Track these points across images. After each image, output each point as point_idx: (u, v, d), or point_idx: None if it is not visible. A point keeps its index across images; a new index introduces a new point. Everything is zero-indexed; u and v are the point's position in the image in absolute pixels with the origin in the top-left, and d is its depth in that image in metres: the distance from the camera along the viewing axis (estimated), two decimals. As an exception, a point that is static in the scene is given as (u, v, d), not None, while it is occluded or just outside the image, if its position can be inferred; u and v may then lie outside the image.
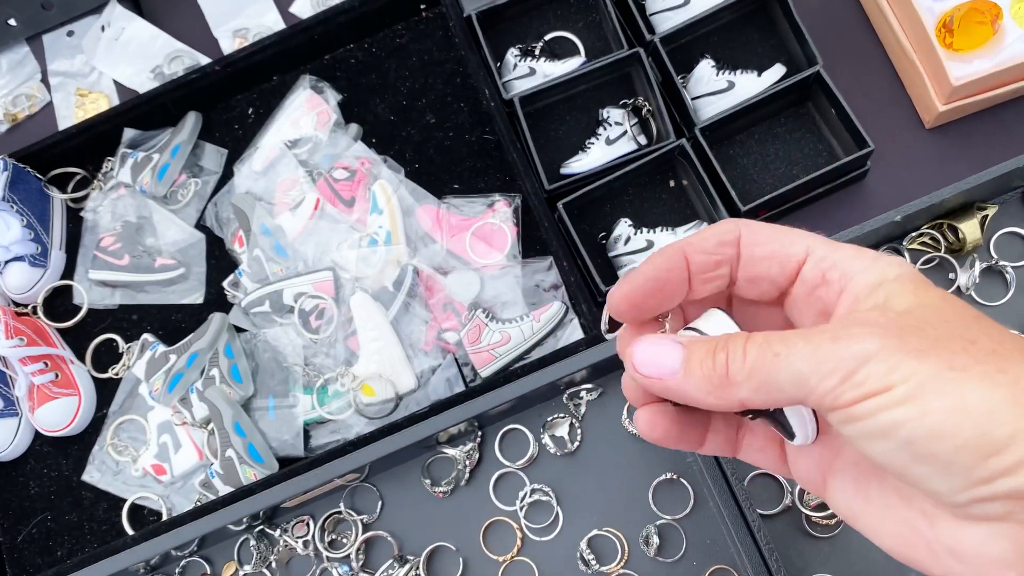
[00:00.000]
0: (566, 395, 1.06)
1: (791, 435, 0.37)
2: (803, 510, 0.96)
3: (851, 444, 0.33)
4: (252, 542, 1.08)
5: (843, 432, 0.33)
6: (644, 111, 1.12)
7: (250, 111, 1.29)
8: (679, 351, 0.36)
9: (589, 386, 1.05)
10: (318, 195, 1.18)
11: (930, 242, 1.05)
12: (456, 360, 1.12)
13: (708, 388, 0.35)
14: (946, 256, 1.04)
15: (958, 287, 1.04)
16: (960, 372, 0.30)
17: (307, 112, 1.22)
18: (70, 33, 1.41)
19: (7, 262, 1.21)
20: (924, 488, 0.32)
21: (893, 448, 0.31)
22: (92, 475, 1.17)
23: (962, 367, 0.30)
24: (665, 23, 1.14)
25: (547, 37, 1.20)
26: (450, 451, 1.06)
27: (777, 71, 1.09)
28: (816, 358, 0.32)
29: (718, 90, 1.09)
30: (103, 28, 1.37)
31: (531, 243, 1.16)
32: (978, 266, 1.01)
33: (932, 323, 0.32)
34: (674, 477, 1.01)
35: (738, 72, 1.09)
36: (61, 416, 1.16)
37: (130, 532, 1.13)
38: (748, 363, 0.34)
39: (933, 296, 0.34)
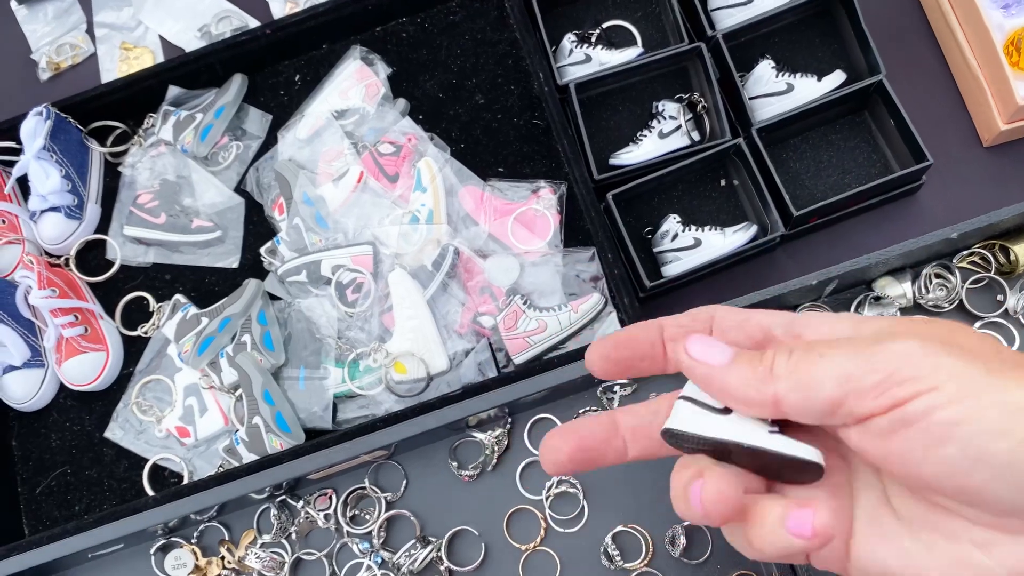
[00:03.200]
0: (600, 388, 1.05)
1: (799, 465, 0.35)
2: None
3: (890, 466, 0.32)
4: (273, 511, 1.07)
5: (886, 447, 0.32)
6: (699, 107, 1.11)
7: (297, 78, 1.27)
8: (729, 349, 0.37)
9: (624, 381, 1.04)
10: (362, 168, 1.16)
11: (980, 262, 1.04)
12: (490, 344, 1.11)
13: (749, 380, 0.35)
14: (996, 277, 1.03)
15: (1006, 309, 1.03)
16: (998, 376, 0.30)
17: (356, 83, 1.20)
18: (118, -15, 1.39)
19: (43, 211, 1.20)
20: (985, 499, 0.30)
21: (954, 453, 0.30)
22: (115, 432, 1.16)
23: (999, 371, 0.30)
24: (726, 20, 1.12)
25: (605, 25, 1.18)
26: (479, 435, 1.05)
27: (837, 77, 1.07)
28: (861, 357, 0.32)
29: (776, 92, 1.08)
30: (152, -17, 1.36)
31: (573, 232, 1.14)
32: (1029, 289, 1.00)
33: (955, 340, 0.32)
34: (705, 479, 1.00)
35: (798, 75, 1.07)
36: (88, 371, 1.15)
37: (150, 492, 1.12)
38: (793, 360, 0.34)
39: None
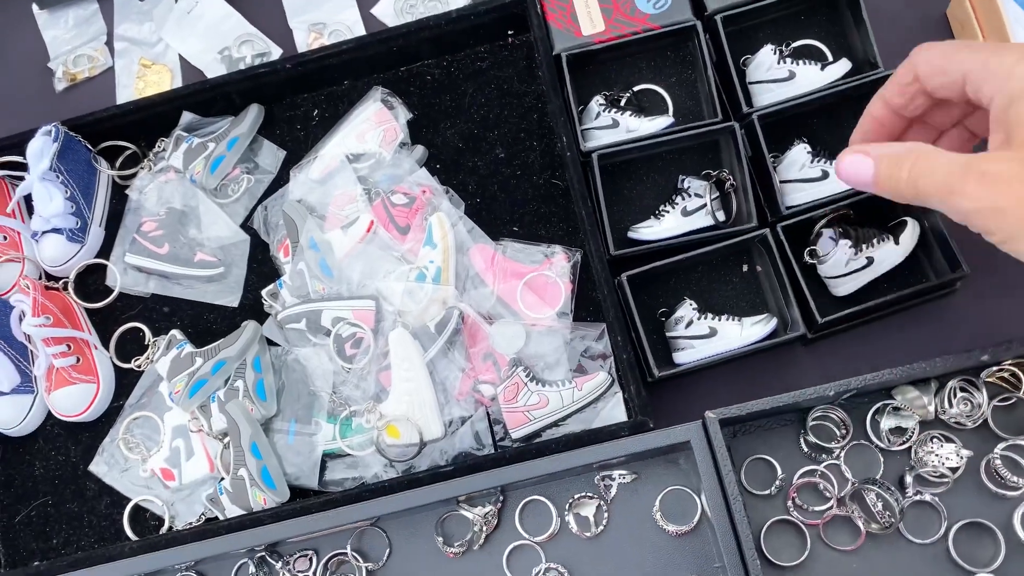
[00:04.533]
0: (599, 475, 1.01)
1: None
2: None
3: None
4: (251, 569, 1.04)
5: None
6: (727, 184, 1.06)
7: (315, 113, 1.23)
8: (871, 169, 0.60)
9: (623, 471, 1.00)
10: (373, 217, 1.12)
11: (1010, 379, 0.98)
12: (488, 415, 1.07)
13: (893, 198, 0.61)
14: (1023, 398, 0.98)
15: (1032, 431, 0.98)
16: None
17: (374, 126, 1.16)
18: (143, -3, 1.35)
19: (45, 232, 1.17)
20: None
21: None
22: (100, 467, 1.13)
23: None
24: (764, 95, 1.06)
25: (636, 88, 1.13)
26: (468, 512, 1.01)
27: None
28: (942, 206, 0.58)
29: (810, 178, 1.03)
30: (177, -2, 1.32)
31: (584, 303, 1.10)
32: (1058, 416, 0.95)
33: None
34: (699, 585, 0.95)
35: (834, 163, 1.02)
36: (77, 402, 1.12)
37: (130, 534, 1.10)
38: (907, 195, 0.60)
39: None
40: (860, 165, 0.59)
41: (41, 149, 1.14)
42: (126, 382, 1.16)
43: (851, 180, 0.61)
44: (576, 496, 1.01)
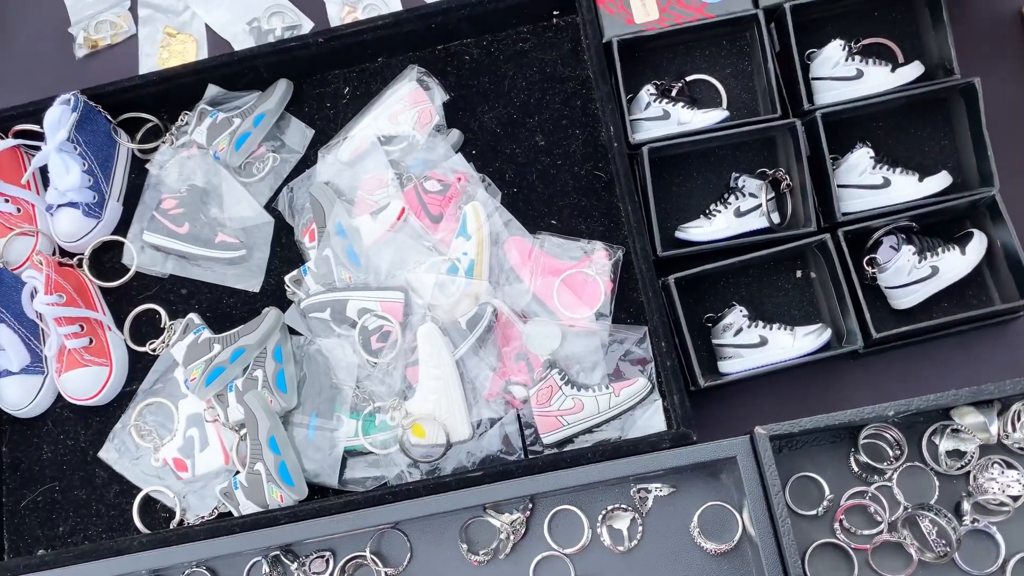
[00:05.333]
0: (634, 487, 0.95)
1: None
2: None
3: None
4: (265, 568, 0.99)
5: None
6: (783, 186, 1.00)
7: (346, 90, 1.17)
8: None
9: (660, 484, 0.94)
10: (404, 204, 1.07)
11: (1077, 403, 0.93)
12: (519, 418, 1.02)
13: None
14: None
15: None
16: None
17: (408, 107, 1.10)
18: (169, -38, 1.29)
19: (60, 206, 1.12)
20: None
21: None
22: (109, 454, 1.09)
23: None
24: (827, 93, 1.00)
25: (689, 78, 1.07)
26: (494, 519, 0.96)
27: (942, 180, 0.96)
28: None
29: (871, 185, 0.96)
30: (205, -36, 1.26)
31: (624, 303, 1.04)
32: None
33: None
34: (739, 610, 0.90)
35: (898, 171, 0.96)
36: (88, 385, 1.07)
37: (140, 526, 1.05)
38: None
39: None
40: None
41: (59, 118, 1.08)
42: (140, 366, 1.12)
43: None
44: (610, 508, 0.95)
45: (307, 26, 1.24)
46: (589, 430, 1.00)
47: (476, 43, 1.16)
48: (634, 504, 0.95)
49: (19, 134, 1.16)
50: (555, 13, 1.14)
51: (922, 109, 0.96)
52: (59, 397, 1.11)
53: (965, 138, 0.97)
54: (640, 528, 0.95)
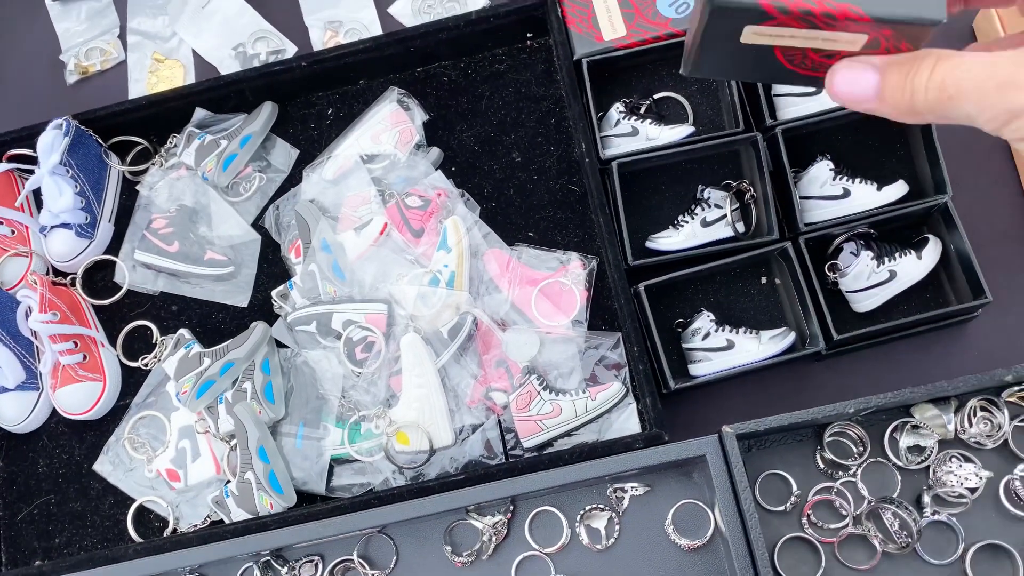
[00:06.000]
0: (610, 487, 0.99)
1: None
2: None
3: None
4: (256, 573, 1.02)
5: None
6: (747, 196, 1.04)
7: (329, 112, 1.22)
8: (875, 79, 0.45)
9: (636, 483, 0.98)
10: (386, 219, 1.11)
11: (1031, 399, 0.97)
12: (500, 423, 1.06)
13: (897, 115, 0.45)
14: (1046, 418, 0.96)
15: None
16: None
17: (389, 127, 1.15)
18: (156, -10, 1.34)
19: (53, 227, 1.16)
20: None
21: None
22: (104, 466, 1.12)
23: None
24: (789, 108, 1.05)
25: (656, 96, 1.12)
26: (477, 522, 1.00)
27: (899, 189, 1.00)
28: (981, 105, 0.41)
29: (831, 195, 1.01)
30: (191, -8, 1.30)
31: (599, 311, 1.08)
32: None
33: None
34: (711, 602, 0.94)
35: (856, 181, 1.01)
36: (83, 400, 1.11)
37: (134, 535, 1.08)
38: (929, 100, 0.42)
39: None
40: (860, 76, 0.46)
41: (52, 143, 1.12)
42: (133, 381, 1.15)
43: (846, 96, 0.47)
44: (587, 508, 0.99)
45: (291, 50, 1.28)
46: (568, 433, 1.04)
47: (454, 65, 1.21)
48: (611, 504, 0.99)
49: (13, 158, 1.20)
50: (529, 36, 1.19)
51: (879, 123, 1.01)
52: (54, 412, 1.15)
53: (919, 148, 1.02)
54: (617, 527, 0.99)
